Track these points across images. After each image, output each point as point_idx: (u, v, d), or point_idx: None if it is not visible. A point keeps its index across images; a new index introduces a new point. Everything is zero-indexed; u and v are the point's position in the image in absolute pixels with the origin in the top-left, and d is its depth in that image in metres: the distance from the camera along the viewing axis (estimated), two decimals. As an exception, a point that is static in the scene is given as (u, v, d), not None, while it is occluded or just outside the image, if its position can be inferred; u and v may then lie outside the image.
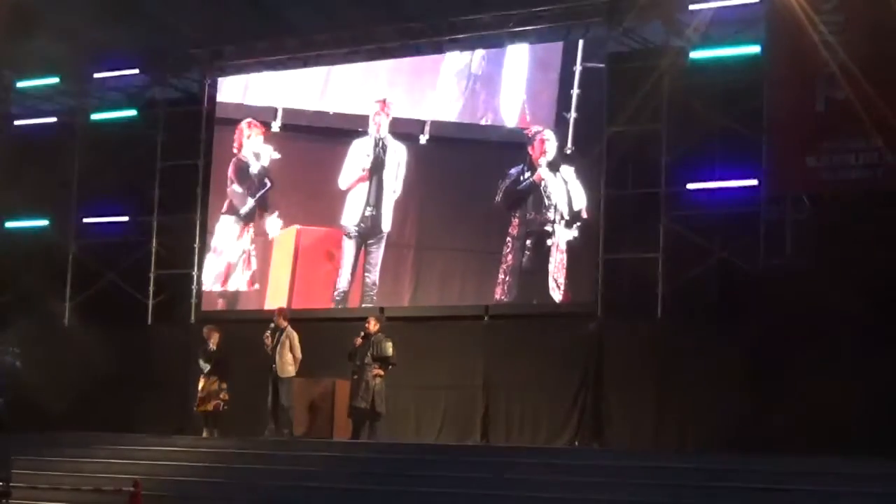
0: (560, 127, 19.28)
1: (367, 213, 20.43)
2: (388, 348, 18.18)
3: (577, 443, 18.26)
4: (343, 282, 20.53)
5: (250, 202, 21.48)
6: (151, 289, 21.98)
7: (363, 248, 20.41)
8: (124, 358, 21.22)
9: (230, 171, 21.66)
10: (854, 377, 15.72)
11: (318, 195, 20.96)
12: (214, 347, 19.27)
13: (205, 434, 19.19)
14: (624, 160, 18.77)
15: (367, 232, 20.41)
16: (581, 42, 19.38)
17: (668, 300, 18.13)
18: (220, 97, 22.10)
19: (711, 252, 17.98)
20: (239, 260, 21.35)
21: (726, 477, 14.76)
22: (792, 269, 16.90)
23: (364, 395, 18.03)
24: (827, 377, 15.75)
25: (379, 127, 20.49)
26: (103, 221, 22.59)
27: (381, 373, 18.12)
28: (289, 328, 18.71)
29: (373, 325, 18.34)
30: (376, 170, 20.43)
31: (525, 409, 18.89)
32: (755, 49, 17.97)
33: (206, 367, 19.17)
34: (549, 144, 19.26)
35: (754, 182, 17.64)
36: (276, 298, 20.77)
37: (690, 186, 18.26)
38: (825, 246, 16.80)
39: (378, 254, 20.31)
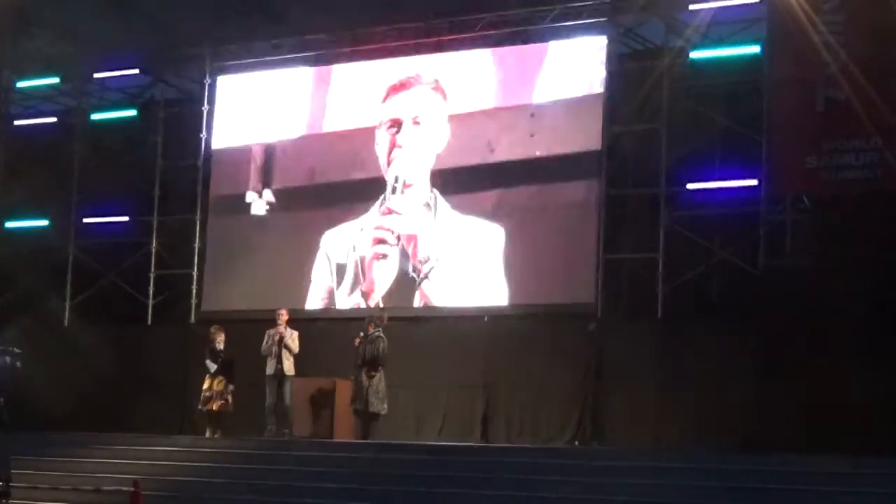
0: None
1: None
2: (379, 348, 18.14)
3: (577, 443, 18.25)
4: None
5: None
6: (151, 289, 21.98)
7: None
8: (124, 358, 21.24)
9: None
10: (854, 377, 15.73)
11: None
12: (221, 347, 19.26)
13: (207, 434, 19.18)
14: (624, 160, 18.77)
15: None
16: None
17: (668, 300, 18.13)
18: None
19: (711, 252, 17.98)
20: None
21: (726, 477, 14.75)
22: (792, 269, 16.90)
23: (359, 396, 18.02)
24: (827, 377, 15.75)
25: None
26: (103, 221, 22.58)
27: (373, 373, 18.09)
28: (289, 328, 18.75)
29: (371, 326, 18.33)
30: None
31: (525, 409, 18.88)
32: (755, 49, 17.98)
33: (213, 367, 19.15)
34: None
35: (754, 182, 17.64)
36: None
37: (690, 186, 18.25)
38: (825, 246, 16.80)
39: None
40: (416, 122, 20.34)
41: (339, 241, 20.62)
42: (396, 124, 20.48)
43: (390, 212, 20.25)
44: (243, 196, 21.57)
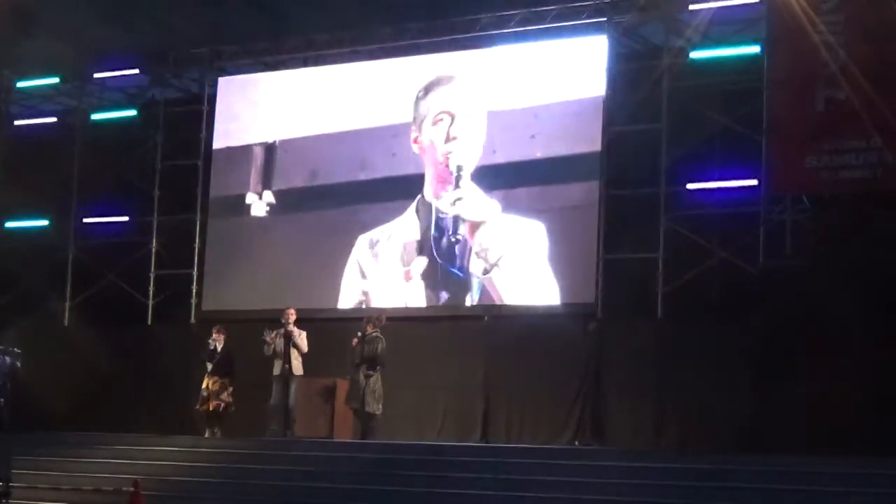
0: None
1: None
2: (378, 349, 18.11)
3: (577, 443, 18.25)
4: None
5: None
6: (151, 289, 21.99)
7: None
8: (124, 358, 21.25)
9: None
10: (854, 377, 15.72)
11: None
12: (217, 347, 19.24)
13: (206, 434, 19.18)
14: (624, 160, 18.78)
15: None
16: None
17: (668, 300, 18.14)
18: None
19: (711, 252, 17.98)
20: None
21: (726, 477, 14.75)
22: (792, 269, 16.90)
23: (355, 395, 18.01)
24: (827, 377, 15.74)
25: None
26: (103, 221, 22.60)
27: (370, 373, 18.07)
28: (296, 327, 18.76)
29: (370, 326, 18.32)
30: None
31: (525, 409, 18.88)
32: (755, 49, 17.98)
33: (209, 367, 19.15)
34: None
35: (754, 182, 17.65)
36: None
37: (690, 186, 18.27)
38: (825, 246, 16.80)
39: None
40: (469, 115, 20.22)
41: (375, 245, 20.46)
42: (450, 116, 20.37)
43: (459, 200, 20.05)
44: (243, 197, 21.56)
